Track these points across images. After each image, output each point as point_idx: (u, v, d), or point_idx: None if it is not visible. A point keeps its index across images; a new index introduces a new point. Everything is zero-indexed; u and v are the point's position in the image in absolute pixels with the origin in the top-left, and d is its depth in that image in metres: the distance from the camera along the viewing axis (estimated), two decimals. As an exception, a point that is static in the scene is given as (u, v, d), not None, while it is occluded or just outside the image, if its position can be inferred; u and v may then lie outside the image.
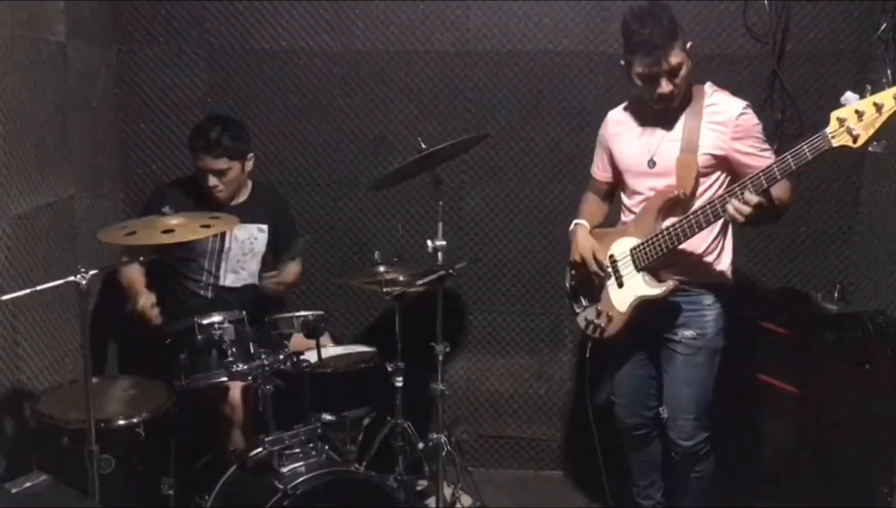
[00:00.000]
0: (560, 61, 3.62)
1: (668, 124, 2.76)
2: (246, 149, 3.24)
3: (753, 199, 2.46)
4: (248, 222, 3.29)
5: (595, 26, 3.57)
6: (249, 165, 3.27)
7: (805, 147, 2.37)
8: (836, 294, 3.39)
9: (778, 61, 3.52)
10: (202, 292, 3.26)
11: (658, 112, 2.77)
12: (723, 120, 2.69)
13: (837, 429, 3.14)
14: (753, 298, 3.57)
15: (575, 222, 3.03)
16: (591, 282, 2.94)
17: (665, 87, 2.65)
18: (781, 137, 3.43)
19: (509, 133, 3.69)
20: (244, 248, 3.29)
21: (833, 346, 3.12)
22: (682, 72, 2.65)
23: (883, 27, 3.37)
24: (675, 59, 2.61)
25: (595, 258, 2.90)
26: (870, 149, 2.35)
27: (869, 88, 2.31)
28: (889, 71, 3.21)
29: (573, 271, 3.02)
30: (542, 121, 3.67)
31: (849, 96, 2.33)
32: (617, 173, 2.95)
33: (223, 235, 3.23)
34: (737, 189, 2.51)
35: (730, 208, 2.51)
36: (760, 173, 2.46)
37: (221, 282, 3.27)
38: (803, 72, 3.53)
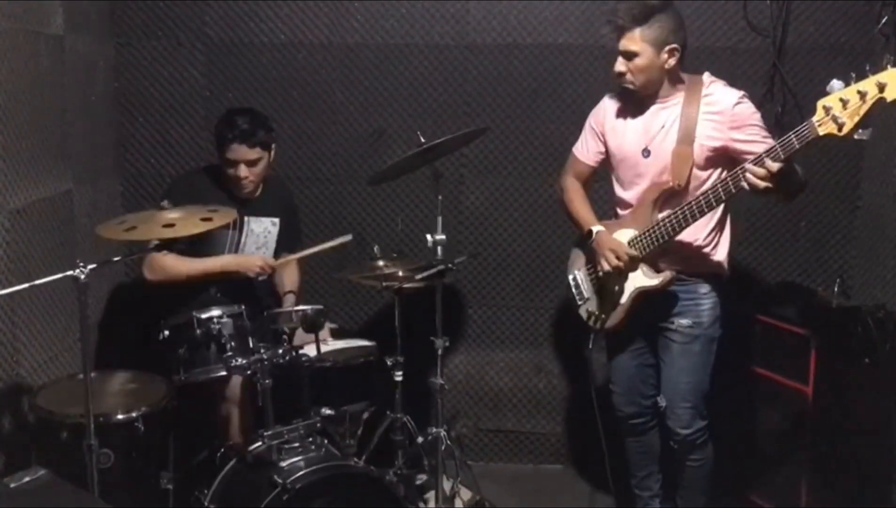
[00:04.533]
0: (560, 55, 3.61)
1: (665, 114, 2.77)
2: (273, 140, 3.23)
3: (774, 166, 2.41)
4: (263, 216, 3.28)
5: (595, 20, 3.56)
6: (272, 156, 3.26)
7: (793, 136, 2.39)
8: (836, 288, 3.39)
9: (778, 54, 3.52)
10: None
11: (654, 101, 2.79)
12: (719, 110, 2.70)
13: (837, 423, 3.14)
14: (754, 291, 3.58)
15: (595, 229, 2.91)
16: (606, 278, 2.90)
17: (618, 65, 2.72)
18: (782, 130, 3.41)
19: (509, 127, 3.68)
20: (258, 241, 3.28)
21: (833, 340, 3.12)
22: (638, 61, 2.69)
23: (884, 21, 3.36)
24: (629, 43, 2.68)
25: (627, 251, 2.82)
26: (855, 137, 2.35)
27: (853, 75, 2.30)
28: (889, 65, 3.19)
29: (593, 273, 2.96)
30: (541, 114, 3.67)
31: (834, 84, 2.34)
32: (609, 162, 2.96)
33: (241, 227, 3.22)
34: (748, 165, 2.47)
35: (748, 175, 2.46)
36: (738, 170, 2.49)
37: None
38: (804, 65, 3.52)
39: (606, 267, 2.84)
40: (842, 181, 3.60)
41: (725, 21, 3.53)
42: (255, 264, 3.14)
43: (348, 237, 3.25)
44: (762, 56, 3.53)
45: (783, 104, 3.51)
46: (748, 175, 2.46)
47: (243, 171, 3.14)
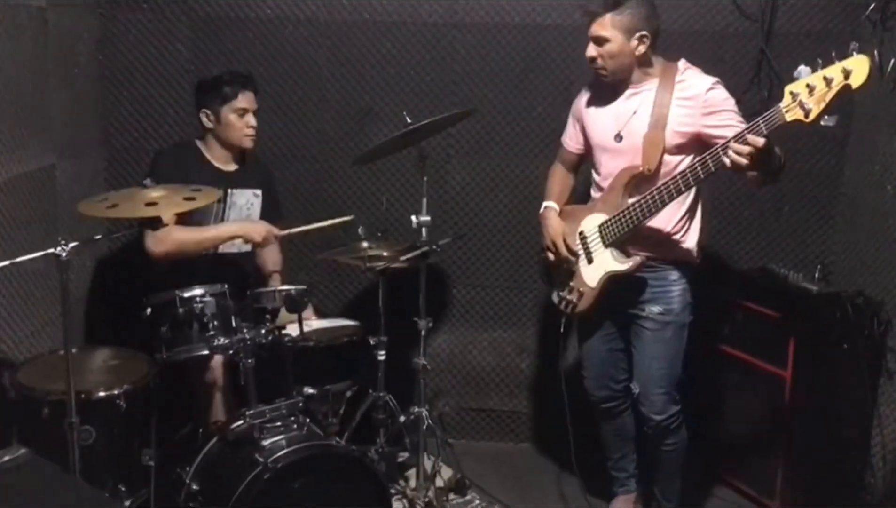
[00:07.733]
0: (549, 35, 3.59)
1: (639, 100, 2.79)
2: None
3: (759, 141, 2.38)
4: (246, 188, 3.27)
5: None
6: None
7: (760, 122, 2.40)
8: (816, 274, 3.41)
9: (766, 39, 3.51)
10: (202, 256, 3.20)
11: (627, 87, 2.81)
12: (691, 95, 2.72)
13: (815, 409, 3.18)
14: (735, 276, 3.59)
15: (544, 204, 3.06)
16: (562, 262, 2.97)
17: (589, 50, 2.75)
18: (767, 115, 3.43)
19: (496, 107, 3.67)
20: (242, 213, 3.27)
21: (812, 326, 3.15)
22: (609, 47, 2.71)
23: (871, 7, 3.36)
24: (600, 29, 2.71)
25: (565, 243, 2.93)
26: (822, 123, 2.35)
27: (820, 61, 2.30)
28: (876, 52, 3.20)
29: (545, 253, 3.05)
30: (529, 95, 3.65)
31: (801, 70, 2.34)
32: (588, 147, 2.98)
33: (225, 200, 3.20)
34: (732, 143, 2.45)
35: (730, 153, 2.44)
36: (718, 149, 2.50)
37: (220, 248, 3.22)
38: (791, 50, 3.51)
39: (545, 242, 3.00)
40: (825, 168, 3.61)
41: (714, 5, 3.51)
42: (260, 231, 3.13)
43: (350, 217, 3.23)
44: (750, 40, 3.52)
45: (770, 89, 3.50)
46: (731, 152, 2.44)
47: (252, 119, 3.17)
